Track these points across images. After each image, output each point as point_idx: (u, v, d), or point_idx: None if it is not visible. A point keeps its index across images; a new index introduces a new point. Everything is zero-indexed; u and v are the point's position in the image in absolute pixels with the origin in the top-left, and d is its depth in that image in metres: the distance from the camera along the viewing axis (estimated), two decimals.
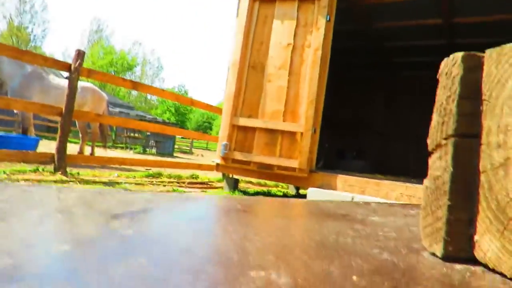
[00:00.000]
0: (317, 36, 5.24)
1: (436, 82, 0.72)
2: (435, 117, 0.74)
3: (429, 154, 0.75)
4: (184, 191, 5.47)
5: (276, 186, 8.15)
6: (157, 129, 8.29)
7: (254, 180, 7.97)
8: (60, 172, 5.45)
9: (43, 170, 5.54)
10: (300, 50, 5.46)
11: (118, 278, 0.49)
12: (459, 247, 0.67)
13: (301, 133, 5.16)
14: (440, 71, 0.73)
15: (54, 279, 0.47)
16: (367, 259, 0.67)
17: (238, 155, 5.70)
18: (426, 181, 0.75)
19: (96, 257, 0.56)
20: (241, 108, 5.74)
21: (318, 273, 0.58)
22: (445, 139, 0.70)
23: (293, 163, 5.17)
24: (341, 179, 4.91)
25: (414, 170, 6.27)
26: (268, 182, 7.93)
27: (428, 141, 0.75)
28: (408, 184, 4.37)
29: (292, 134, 5.34)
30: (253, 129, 5.64)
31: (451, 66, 0.70)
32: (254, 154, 5.54)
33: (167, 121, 30.95)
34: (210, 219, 0.96)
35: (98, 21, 64.65)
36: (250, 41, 5.77)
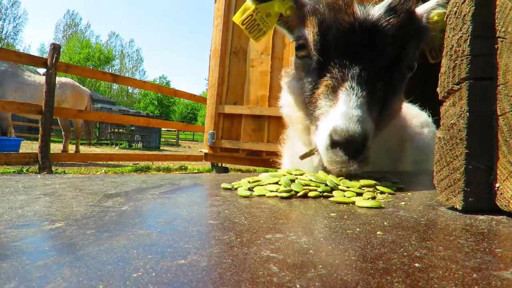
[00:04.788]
0: None
1: None
2: (444, 62, 0.69)
3: (440, 102, 0.71)
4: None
5: (266, 172, 8.10)
6: (142, 123, 8.13)
7: (243, 167, 7.94)
8: (45, 172, 5.31)
9: (27, 171, 5.39)
10: (282, 35, 5.38)
11: (122, 248, 0.44)
12: (480, 196, 0.64)
13: None
14: (448, 11, 0.68)
15: (47, 254, 0.41)
16: (385, 217, 0.63)
17: (226, 143, 5.63)
18: (438, 132, 0.71)
19: (93, 231, 0.51)
20: (225, 95, 5.65)
21: (339, 231, 0.54)
22: (458, 83, 0.65)
23: None
24: None
25: None
26: (257, 168, 7.90)
27: (439, 89, 0.70)
28: None
29: (279, 118, 5.28)
30: (239, 116, 5.57)
31: (461, 4, 0.65)
32: (242, 141, 5.49)
33: (151, 114, 30.47)
34: (209, 191, 0.91)
35: (72, 14, 62.48)
36: (230, 26, 5.65)
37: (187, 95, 8.54)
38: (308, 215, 0.65)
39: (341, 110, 0.97)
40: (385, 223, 0.58)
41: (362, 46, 1.05)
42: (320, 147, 1.01)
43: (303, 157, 1.20)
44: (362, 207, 0.71)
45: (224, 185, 0.93)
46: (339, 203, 0.75)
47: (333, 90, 1.05)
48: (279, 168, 1.92)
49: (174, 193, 0.87)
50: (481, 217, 0.62)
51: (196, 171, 7.51)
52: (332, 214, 0.64)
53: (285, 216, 0.64)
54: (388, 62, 1.09)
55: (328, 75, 1.08)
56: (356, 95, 0.99)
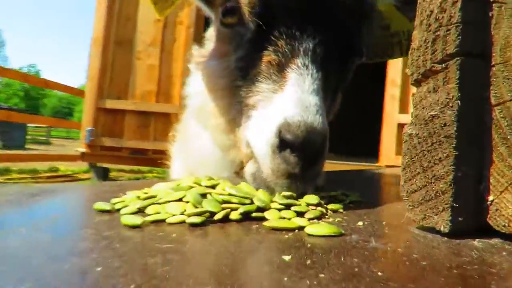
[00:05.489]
0: (189, 13, 4.93)
1: None
2: (418, 35, 0.51)
3: (413, 87, 0.53)
4: None
5: (151, 172, 7.62)
6: (1, 117, 6.84)
7: (126, 167, 7.34)
8: None
9: None
10: (172, 27, 5.08)
11: None
12: (469, 214, 0.47)
13: (176, 115, 4.83)
14: None
15: None
16: (358, 253, 0.42)
17: (107, 141, 5.11)
18: (409, 128, 0.52)
19: None
20: (107, 88, 5.13)
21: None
22: (442, 61, 0.48)
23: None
24: None
25: None
26: (142, 168, 7.43)
27: (409, 70, 0.52)
28: None
29: (167, 115, 4.99)
30: (123, 112, 5.11)
31: None
32: (125, 139, 5.04)
33: (14, 107, 26.35)
34: (73, 219, 0.59)
35: None
36: (115, 15, 5.13)
37: (61, 87, 7.50)
38: (244, 261, 0.40)
39: (294, 96, 0.71)
40: (368, 266, 0.37)
41: (317, 14, 0.79)
42: (259, 149, 0.73)
43: (239, 171, 0.89)
44: (315, 235, 0.48)
45: (99, 205, 0.61)
46: (279, 229, 0.51)
47: (279, 69, 0.76)
48: (166, 169, 1.59)
49: (9, 225, 0.53)
50: (476, 244, 0.46)
51: (70, 172, 6.65)
52: (286, 258, 0.40)
53: (202, 269, 0.38)
54: (346, 40, 0.84)
55: (270, 48, 0.79)
56: (311, 75, 0.73)
